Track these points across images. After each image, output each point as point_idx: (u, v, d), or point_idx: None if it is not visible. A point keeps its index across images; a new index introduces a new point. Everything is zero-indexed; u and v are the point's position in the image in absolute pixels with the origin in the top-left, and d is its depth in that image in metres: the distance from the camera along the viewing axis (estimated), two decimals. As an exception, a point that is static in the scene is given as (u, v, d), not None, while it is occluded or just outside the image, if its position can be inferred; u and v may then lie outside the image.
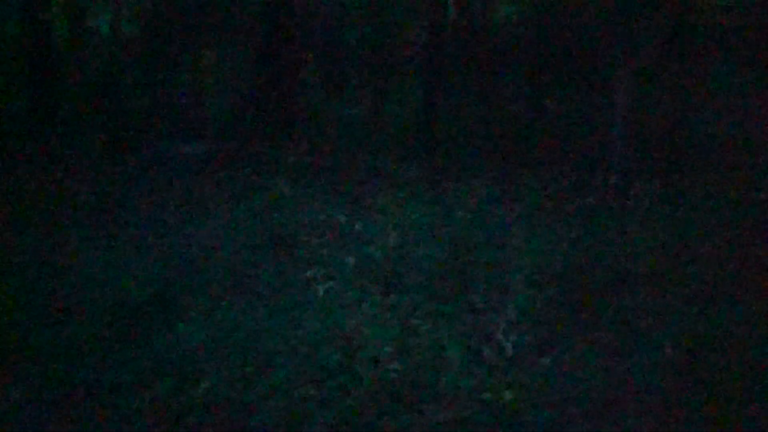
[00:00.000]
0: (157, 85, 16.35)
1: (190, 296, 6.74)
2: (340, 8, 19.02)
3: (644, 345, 5.85)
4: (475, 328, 6.11)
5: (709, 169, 11.23)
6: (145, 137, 13.61)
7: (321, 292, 6.79)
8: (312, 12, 18.98)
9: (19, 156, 12.14)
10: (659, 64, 14.95)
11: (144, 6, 18.44)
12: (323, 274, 7.17)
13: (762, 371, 5.44)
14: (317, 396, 5.16)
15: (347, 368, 5.48)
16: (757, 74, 17.01)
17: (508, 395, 5.15)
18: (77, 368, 5.56)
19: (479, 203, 9.55)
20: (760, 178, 10.75)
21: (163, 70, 16.65)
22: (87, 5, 15.35)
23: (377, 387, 5.24)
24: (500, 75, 18.29)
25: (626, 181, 10.14)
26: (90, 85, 15.27)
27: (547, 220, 8.84)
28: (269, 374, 5.42)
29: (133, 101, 15.97)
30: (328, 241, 8.14)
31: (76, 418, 4.98)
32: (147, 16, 18.26)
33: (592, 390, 5.24)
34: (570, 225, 8.64)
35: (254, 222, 8.83)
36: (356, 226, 8.55)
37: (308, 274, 7.19)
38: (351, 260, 7.50)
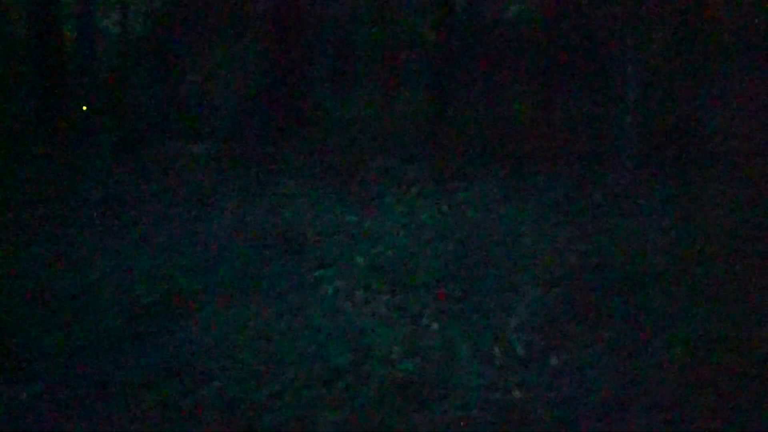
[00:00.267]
0: (165, 85, 16.37)
1: (200, 296, 6.74)
2: (348, 8, 19.02)
3: (654, 344, 5.83)
4: (486, 327, 6.10)
5: (719, 168, 11.19)
6: (154, 137, 13.63)
7: (330, 292, 6.79)
8: (320, 11, 18.98)
9: (28, 156, 12.16)
10: (669, 61, 14.91)
11: (152, 6, 18.47)
12: (332, 274, 7.16)
13: (774, 370, 5.41)
14: (327, 395, 5.15)
15: (357, 368, 5.47)
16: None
17: (518, 394, 5.14)
18: (87, 368, 5.57)
19: (489, 202, 9.54)
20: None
21: (172, 70, 16.67)
22: (96, 6, 15.37)
23: (387, 386, 5.23)
24: (509, 73, 18.26)
25: (636, 180, 10.11)
26: (98, 85, 15.29)
27: (557, 219, 8.82)
28: (279, 374, 5.42)
29: (141, 101, 15.99)
30: (337, 240, 8.13)
31: (86, 417, 4.98)
32: (155, 15, 18.30)
33: (602, 389, 5.22)
34: (580, 224, 8.61)
35: (263, 221, 8.83)
36: (365, 226, 8.54)
37: (317, 273, 7.19)
38: (360, 260, 7.49)
